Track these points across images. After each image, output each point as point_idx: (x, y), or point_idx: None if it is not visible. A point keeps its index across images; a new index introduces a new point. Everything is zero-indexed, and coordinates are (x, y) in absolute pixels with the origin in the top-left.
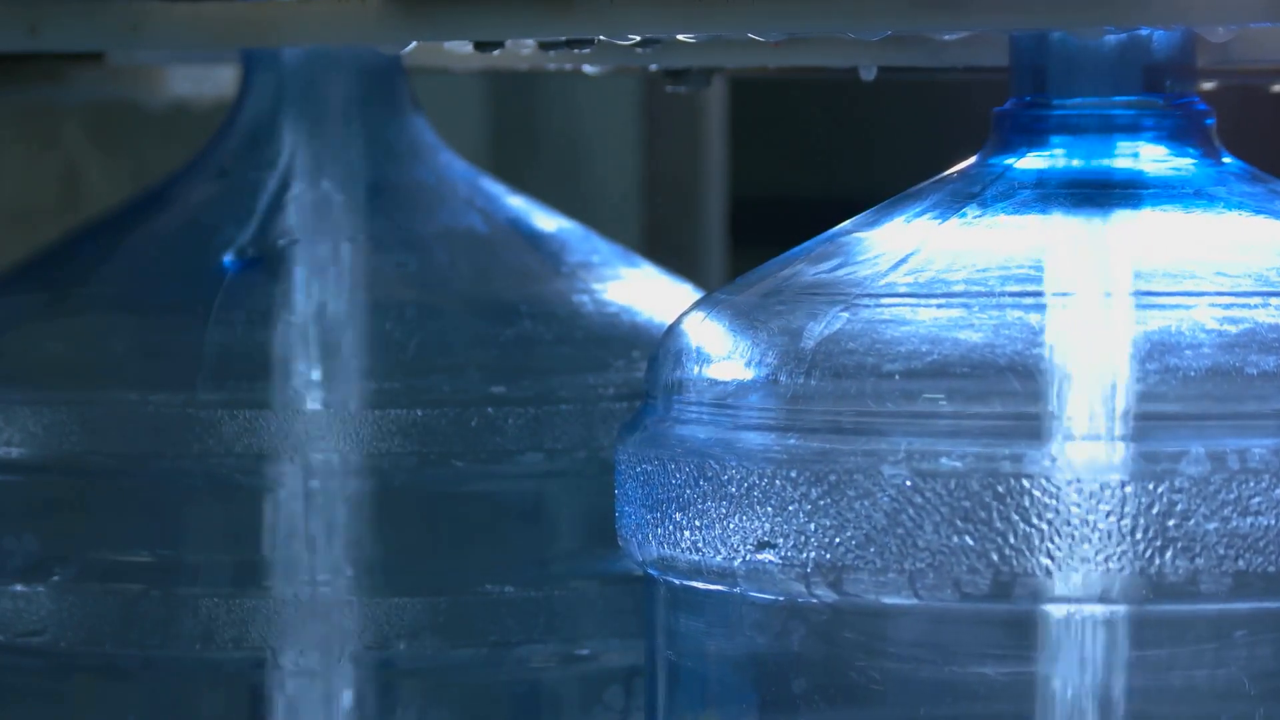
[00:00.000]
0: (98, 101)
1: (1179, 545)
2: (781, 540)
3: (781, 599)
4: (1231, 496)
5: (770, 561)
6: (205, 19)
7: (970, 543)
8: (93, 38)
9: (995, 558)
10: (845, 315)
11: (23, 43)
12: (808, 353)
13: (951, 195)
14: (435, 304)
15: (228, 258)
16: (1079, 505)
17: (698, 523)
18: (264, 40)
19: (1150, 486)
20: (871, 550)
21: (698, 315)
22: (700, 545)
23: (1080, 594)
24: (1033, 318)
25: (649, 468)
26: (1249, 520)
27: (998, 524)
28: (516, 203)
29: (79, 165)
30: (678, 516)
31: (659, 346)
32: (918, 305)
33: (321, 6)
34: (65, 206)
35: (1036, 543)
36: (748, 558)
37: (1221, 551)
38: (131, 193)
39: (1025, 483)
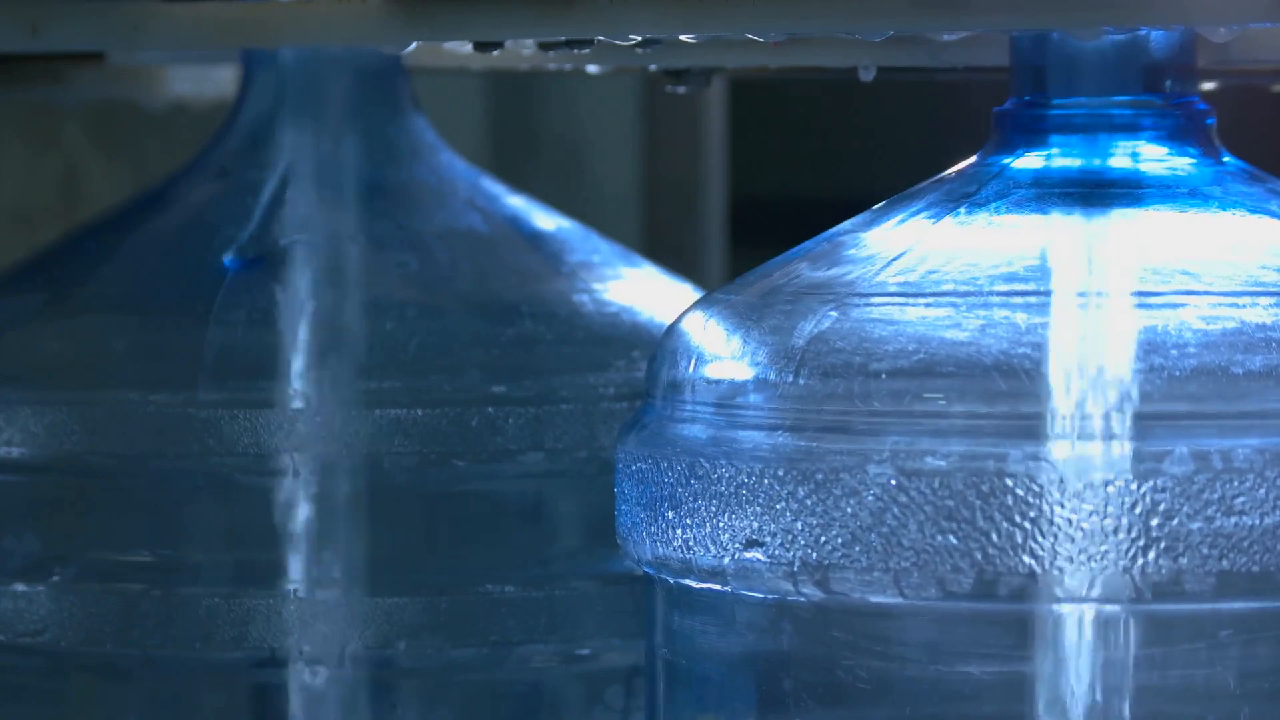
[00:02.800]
0: (98, 102)
1: (1172, 545)
2: (777, 539)
3: (778, 599)
4: (1218, 497)
5: (764, 561)
6: (205, 19)
7: (962, 542)
8: (93, 38)
9: (1015, 557)
10: (844, 315)
11: (23, 43)
12: (806, 353)
13: (951, 195)
14: (436, 304)
15: (228, 257)
16: (1076, 505)
17: (695, 522)
18: (264, 40)
19: (1145, 487)
20: (857, 549)
21: (697, 315)
22: (697, 544)
23: (1076, 594)
24: (1031, 318)
25: (648, 467)
26: (1237, 520)
27: (1002, 523)
28: (516, 202)
29: (79, 165)
30: (675, 516)
31: (658, 346)
32: (916, 305)
33: (321, 6)
34: (65, 206)
35: (1037, 542)
36: (741, 556)
37: (1212, 551)
38: (131, 193)
39: (1034, 482)
